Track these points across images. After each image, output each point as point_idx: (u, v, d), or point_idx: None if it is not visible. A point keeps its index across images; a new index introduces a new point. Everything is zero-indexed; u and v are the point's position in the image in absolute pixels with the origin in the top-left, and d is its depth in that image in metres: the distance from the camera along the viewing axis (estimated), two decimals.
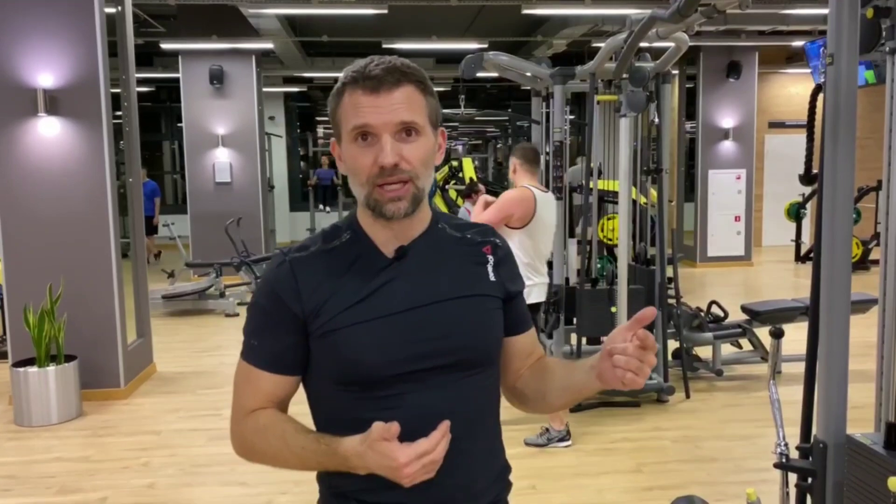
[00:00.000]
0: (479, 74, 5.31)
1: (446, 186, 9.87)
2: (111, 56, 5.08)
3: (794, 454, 2.09)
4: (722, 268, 10.42)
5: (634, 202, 5.03)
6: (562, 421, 4.04)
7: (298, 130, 17.04)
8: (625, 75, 4.40)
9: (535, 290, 3.90)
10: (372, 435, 1.10)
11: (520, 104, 16.26)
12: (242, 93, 10.11)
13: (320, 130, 19.57)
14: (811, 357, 2.12)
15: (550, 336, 4.91)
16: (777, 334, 2.21)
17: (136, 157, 5.77)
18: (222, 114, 10.12)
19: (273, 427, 1.25)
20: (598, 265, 6.09)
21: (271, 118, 14.46)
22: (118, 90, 5.39)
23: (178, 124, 10.34)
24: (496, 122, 19.31)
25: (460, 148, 22.84)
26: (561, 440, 4.05)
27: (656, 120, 4.63)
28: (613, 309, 4.62)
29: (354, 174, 1.20)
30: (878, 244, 8.90)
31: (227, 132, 10.15)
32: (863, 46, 2.11)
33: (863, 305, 4.71)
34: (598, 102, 4.79)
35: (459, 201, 10.16)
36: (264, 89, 11.23)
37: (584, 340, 4.80)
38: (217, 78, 9.89)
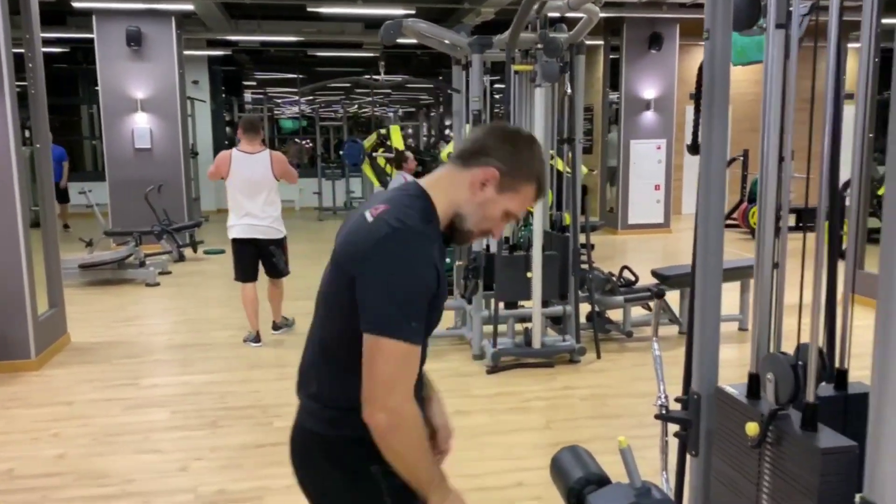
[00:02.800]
0: (411, 41, 5.32)
1: (374, 154, 9.83)
2: (13, 14, 4.85)
3: (677, 407, 2.24)
4: (642, 235, 10.78)
5: (559, 172, 5.16)
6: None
7: (224, 95, 16.60)
8: (539, 45, 4.48)
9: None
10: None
11: (450, 72, 16.25)
12: (162, 56, 9.79)
13: (247, 95, 19.12)
14: (692, 317, 2.27)
15: (470, 301, 5.03)
16: (659, 294, 2.35)
17: (44, 121, 5.55)
18: (141, 77, 9.78)
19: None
20: (521, 233, 6.23)
21: (195, 82, 14.04)
22: (21, 50, 5.16)
23: (95, 88, 9.94)
24: (429, 89, 19.25)
25: (392, 115, 22.73)
26: (253, 340, 5.44)
27: (569, 90, 4.75)
28: (529, 274, 4.76)
29: (484, 219, 1.57)
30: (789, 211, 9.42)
31: (147, 96, 9.83)
32: (744, 22, 2.23)
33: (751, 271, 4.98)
34: (516, 72, 4.87)
35: (388, 168, 10.15)
36: (187, 52, 10.89)
37: (501, 304, 4.93)
38: (134, 40, 9.53)
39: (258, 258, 5.47)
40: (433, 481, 1.48)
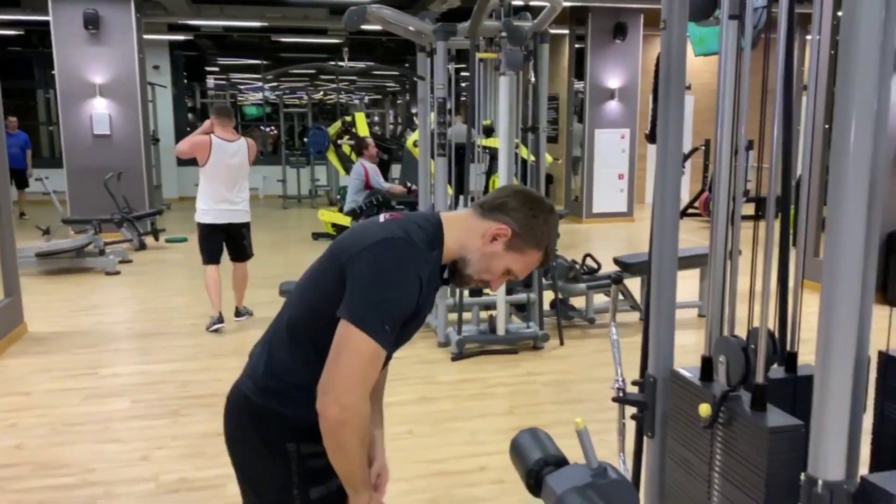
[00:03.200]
0: (376, 28, 5.30)
1: (339, 142, 9.77)
2: None
3: (634, 390, 2.29)
4: (606, 223, 10.92)
5: (524, 161, 5.19)
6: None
7: (186, 81, 16.31)
8: (503, 34, 4.50)
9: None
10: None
11: (416, 59, 16.18)
12: (121, 39, 9.58)
13: (210, 81, 18.81)
14: (648, 302, 2.32)
15: None
16: (617, 280, 2.39)
17: None
18: (99, 61, 9.57)
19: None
20: None
21: (155, 67, 13.78)
22: None
23: (52, 72, 9.70)
24: (395, 76, 19.14)
25: (357, 102, 22.56)
26: (218, 321, 5.46)
27: (533, 79, 4.77)
28: None
29: (485, 270, 1.67)
30: (746, 200, 9.60)
31: (105, 81, 9.62)
32: (700, 13, 2.27)
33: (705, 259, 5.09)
34: (480, 60, 4.87)
35: (353, 157, 10.11)
36: (147, 37, 10.67)
37: (465, 292, 4.96)
38: (92, 23, 9.31)
39: (224, 242, 5.57)
40: (362, 482, 1.56)
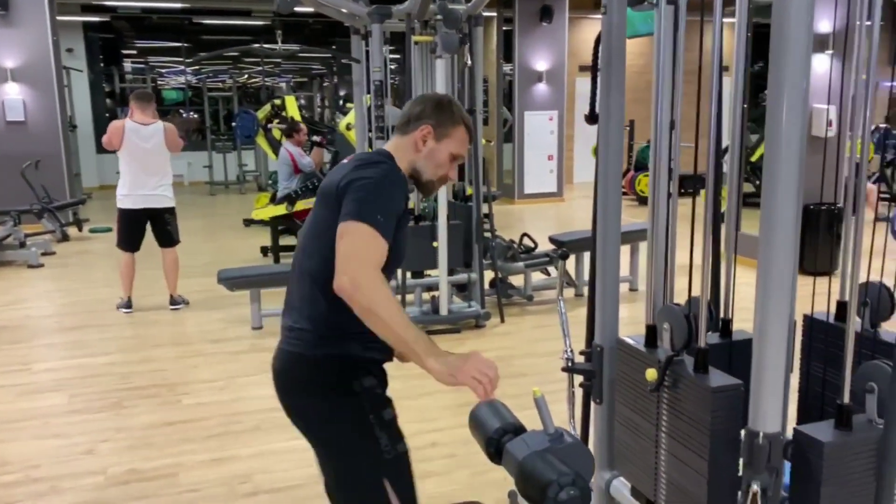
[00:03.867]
0: (304, 10, 5.26)
1: (269, 126, 9.60)
2: None
3: (581, 360, 2.40)
4: (537, 204, 11.13)
5: None
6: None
7: (102, 65, 15.64)
8: (439, 17, 4.54)
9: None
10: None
11: (345, 41, 15.97)
12: (33, 21, 9.12)
13: (127, 65, 18.08)
14: (593, 275, 2.43)
15: None
16: (564, 256, 2.50)
17: None
18: (10, 44, 9.09)
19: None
20: (424, 204, 6.31)
21: (69, 51, 13.17)
22: None
23: None
24: (322, 59, 18.85)
25: (284, 85, 22.12)
26: (125, 307, 5.54)
27: (469, 62, 4.84)
28: (435, 244, 4.86)
29: (436, 168, 1.89)
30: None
31: (17, 65, 9.16)
32: None
33: (644, 234, 5.31)
34: (416, 43, 4.90)
35: (283, 140, 9.95)
36: (60, 18, 10.18)
37: (408, 274, 5.01)
38: (1, 3, 8.84)
39: (145, 229, 5.56)
40: (422, 344, 1.59)
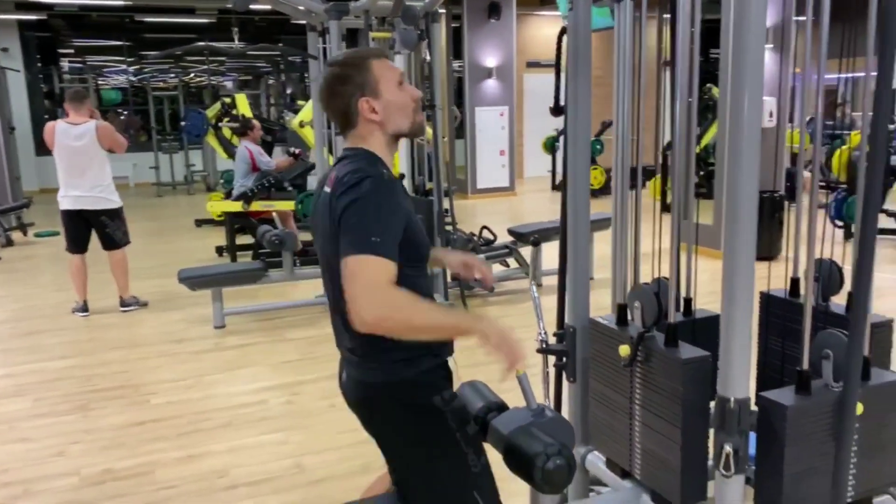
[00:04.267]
0: (249, 7, 5.23)
1: (219, 124, 9.49)
2: None
3: (553, 343, 2.50)
4: (490, 198, 11.28)
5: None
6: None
7: (40, 65, 15.16)
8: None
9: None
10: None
11: (291, 38, 15.83)
12: None
13: (66, 64, 17.55)
14: (563, 262, 2.54)
15: None
16: (535, 243, 2.59)
17: None
18: None
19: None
20: None
21: (4, 50, 12.75)
22: None
23: None
24: (268, 56, 18.63)
25: (229, 84, 21.76)
26: (81, 310, 5.48)
27: (427, 58, 4.91)
28: None
29: (402, 110, 1.77)
30: None
31: None
32: None
33: (604, 223, 5.47)
34: (374, 39, 4.95)
35: (234, 140, 9.84)
36: None
37: None
38: None
39: (89, 230, 5.48)
40: (458, 321, 1.66)
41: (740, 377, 1.74)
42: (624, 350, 2.09)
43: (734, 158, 1.69)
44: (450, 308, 1.67)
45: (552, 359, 2.51)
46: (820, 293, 2.26)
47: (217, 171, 14.11)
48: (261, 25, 16.43)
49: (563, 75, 2.60)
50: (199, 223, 9.75)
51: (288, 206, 6.80)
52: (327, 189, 1.71)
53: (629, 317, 2.20)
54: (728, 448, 1.72)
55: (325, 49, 5.18)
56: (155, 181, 13.70)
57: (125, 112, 14.59)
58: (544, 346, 2.43)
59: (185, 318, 5.36)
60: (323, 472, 3.05)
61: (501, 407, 2.07)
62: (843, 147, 7.36)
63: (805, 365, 1.92)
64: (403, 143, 4.86)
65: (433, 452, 1.69)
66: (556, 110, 2.85)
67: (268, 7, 5.93)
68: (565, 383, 2.52)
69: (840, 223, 6.45)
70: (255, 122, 7.60)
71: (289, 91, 17.53)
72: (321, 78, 1.83)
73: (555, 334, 2.49)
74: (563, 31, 2.68)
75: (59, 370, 4.36)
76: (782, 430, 1.85)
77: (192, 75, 19.70)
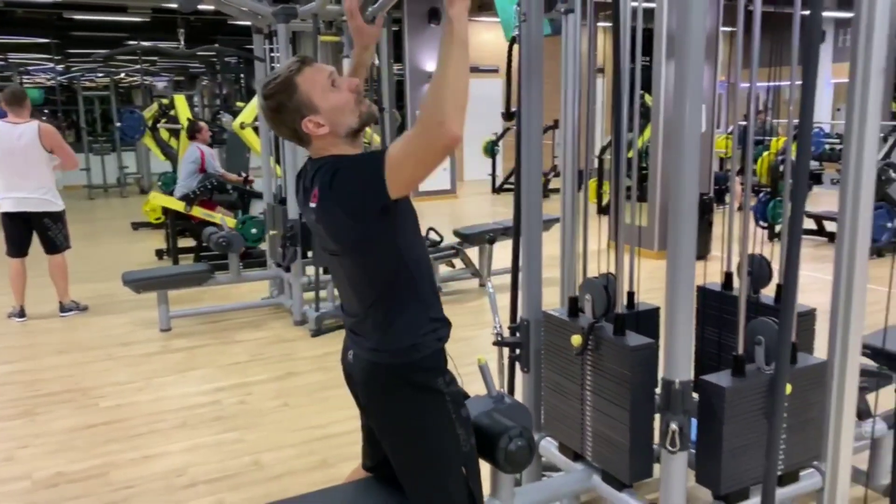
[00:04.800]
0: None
1: (157, 125, 9.33)
2: None
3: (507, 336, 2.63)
4: (432, 201, 11.39)
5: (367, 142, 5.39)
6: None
7: None
8: (344, 17, 4.66)
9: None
10: None
11: (228, 39, 15.59)
12: None
13: None
14: (515, 259, 2.68)
15: (288, 269, 5.15)
16: (492, 241, 2.72)
17: None
18: None
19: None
20: None
21: None
22: None
23: None
24: (201, 57, 18.27)
25: (160, 84, 21.25)
26: (18, 315, 5.39)
27: (376, 61, 4.99)
28: None
29: (343, 109, 1.74)
30: (556, 175, 10.63)
31: None
32: (545, 6, 2.64)
33: (547, 224, 5.66)
34: (322, 43, 5.00)
35: (172, 142, 9.67)
36: None
37: (321, 270, 5.10)
38: None
39: (30, 233, 5.39)
40: (461, 39, 1.63)
41: (684, 361, 1.90)
42: (576, 339, 2.24)
43: (677, 166, 1.84)
44: (447, 45, 1.63)
45: (506, 350, 2.65)
46: (751, 286, 2.46)
47: (151, 173, 13.80)
48: (196, 26, 16.14)
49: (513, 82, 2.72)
50: (136, 226, 9.55)
51: (230, 221, 6.50)
52: (313, 204, 1.73)
53: (580, 308, 2.36)
54: (674, 426, 1.88)
55: (268, 51, 5.21)
56: (86, 183, 13.31)
57: (45, 112, 14.11)
58: (500, 338, 2.56)
59: (129, 322, 5.29)
60: (281, 468, 3.11)
61: (465, 395, 2.19)
62: (766, 153, 7.77)
63: (740, 350, 2.10)
64: None
65: (430, 431, 1.77)
66: (508, 116, 3.00)
67: (205, 7, 5.89)
68: (518, 374, 2.66)
69: (764, 224, 6.84)
70: (202, 125, 7.51)
71: (224, 92, 17.25)
72: (260, 109, 1.84)
73: (510, 327, 2.63)
74: (513, 41, 2.82)
75: (1, 376, 4.26)
76: (721, 409, 2.03)
77: (122, 75, 19.17)
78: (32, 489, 2.96)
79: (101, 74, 17.29)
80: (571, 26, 2.55)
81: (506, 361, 2.64)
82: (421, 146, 1.58)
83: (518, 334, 2.55)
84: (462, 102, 1.57)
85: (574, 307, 2.40)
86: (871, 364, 2.66)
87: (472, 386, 2.04)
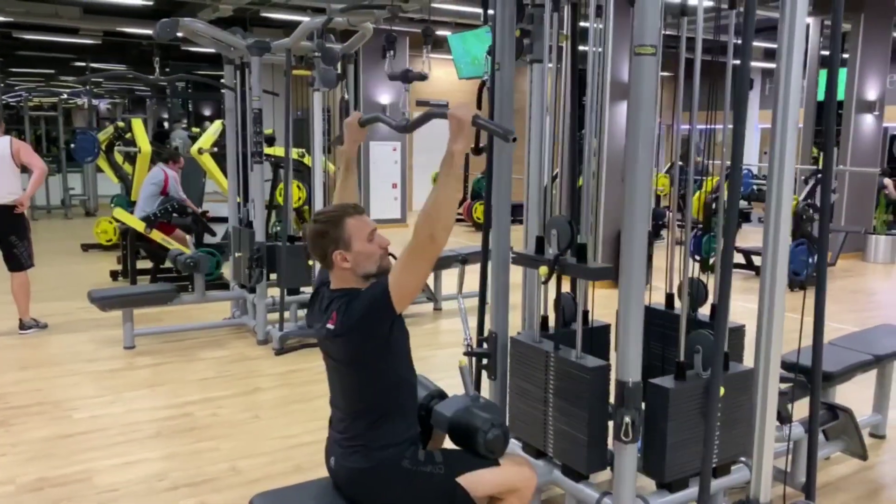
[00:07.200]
0: (133, 31, 5.41)
1: (115, 148, 9.34)
2: None
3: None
4: (384, 230, 11.50)
5: (326, 171, 5.65)
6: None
7: None
8: (317, 53, 4.95)
9: None
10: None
11: (179, 64, 15.62)
12: None
13: None
14: (483, 280, 2.98)
15: (253, 290, 5.32)
16: (464, 261, 3.02)
17: None
18: None
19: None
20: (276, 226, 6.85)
21: None
22: None
23: None
24: (151, 83, 18.17)
25: (101, 106, 20.97)
26: None
27: (346, 96, 5.29)
28: (311, 262, 5.21)
29: (369, 258, 2.12)
30: None
31: None
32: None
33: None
34: (294, 76, 5.26)
35: (127, 167, 9.66)
36: None
37: (285, 291, 5.30)
38: None
39: None
40: (455, 173, 1.99)
41: (635, 365, 2.23)
42: (543, 270, 2.55)
43: (629, 207, 2.17)
44: (445, 175, 1.98)
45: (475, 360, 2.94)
46: (691, 304, 2.82)
47: (98, 196, 13.66)
48: (146, 49, 16.12)
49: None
50: (86, 247, 9.50)
51: (185, 251, 6.58)
52: (331, 326, 2.08)
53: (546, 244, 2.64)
54: (627, 419, 2.20)
55: (239, 82, 5.44)
56: (29, 205, 13.05)
57: None
58: (470, 349, 2.85)
59: (91, 340, 5.36)
60: (258, 473, 3.29)
61: (442, 395, 2.47)
62: (700, 191, 8.32)
63: (681, 357, 2.45)
64: (318, 170, 5.21)
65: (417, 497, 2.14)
66: (477, 151, 3.33)
67: (150, 32, 6.03)
68: (485, 381, 2.94)
69: (698, 258, 7.33)
70: (180, 158, 7.61)
71: (165, 116, 17.17)
72: (309, 224, 2.21)
73: (480, 340, 2.92)
74: (482, 85, 3.15)
75: None
76: (665, 408, 2.36)
77: (64, 96, 18.92)
78: (16, 493, 3.07)
79: (42, 94, 17.03)
80: (537, 74, 2.90)
81: (474, 370, 2.92)
82: (415, 257, 2.00)
83: (486, 345, 2.84)
84: (449, 223, 1.99)
85: (541, 246, 2.69)
86: (789, 376, 3.05)
87: (453, 386, 2.31)
